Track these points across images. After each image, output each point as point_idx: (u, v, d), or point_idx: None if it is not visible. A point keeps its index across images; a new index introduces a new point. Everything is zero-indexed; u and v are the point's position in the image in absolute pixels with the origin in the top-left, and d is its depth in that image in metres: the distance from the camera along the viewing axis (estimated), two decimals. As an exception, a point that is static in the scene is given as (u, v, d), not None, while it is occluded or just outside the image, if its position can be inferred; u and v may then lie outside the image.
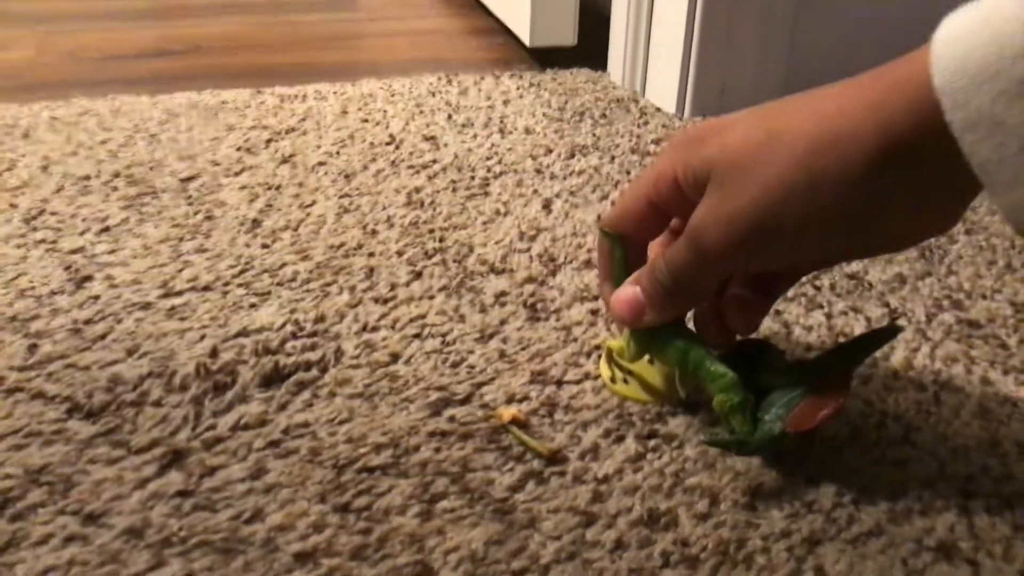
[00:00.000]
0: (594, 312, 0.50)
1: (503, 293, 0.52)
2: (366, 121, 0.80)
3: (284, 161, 0.71)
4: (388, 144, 0.75)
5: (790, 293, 0.52)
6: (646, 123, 0.81)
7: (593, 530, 0.35)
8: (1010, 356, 0.47)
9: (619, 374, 0.44)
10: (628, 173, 0.70)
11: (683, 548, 0.35)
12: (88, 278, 0.53)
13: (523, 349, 0.47)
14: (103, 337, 0.47)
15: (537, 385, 0.44)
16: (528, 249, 0.57)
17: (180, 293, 0.51)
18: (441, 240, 0.58)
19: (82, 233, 0.58)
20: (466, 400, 0.43)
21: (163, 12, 1.27)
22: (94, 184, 0.66)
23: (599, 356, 0.46)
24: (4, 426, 0.40)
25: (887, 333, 0.40)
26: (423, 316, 0.49)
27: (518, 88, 0.91)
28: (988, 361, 0.47)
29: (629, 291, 0.40)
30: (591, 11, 1.01)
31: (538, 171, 0.70)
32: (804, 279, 0.54)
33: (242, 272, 0.54)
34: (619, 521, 0.36)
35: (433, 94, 0.88)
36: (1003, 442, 0.40)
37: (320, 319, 0.49)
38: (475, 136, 0.77)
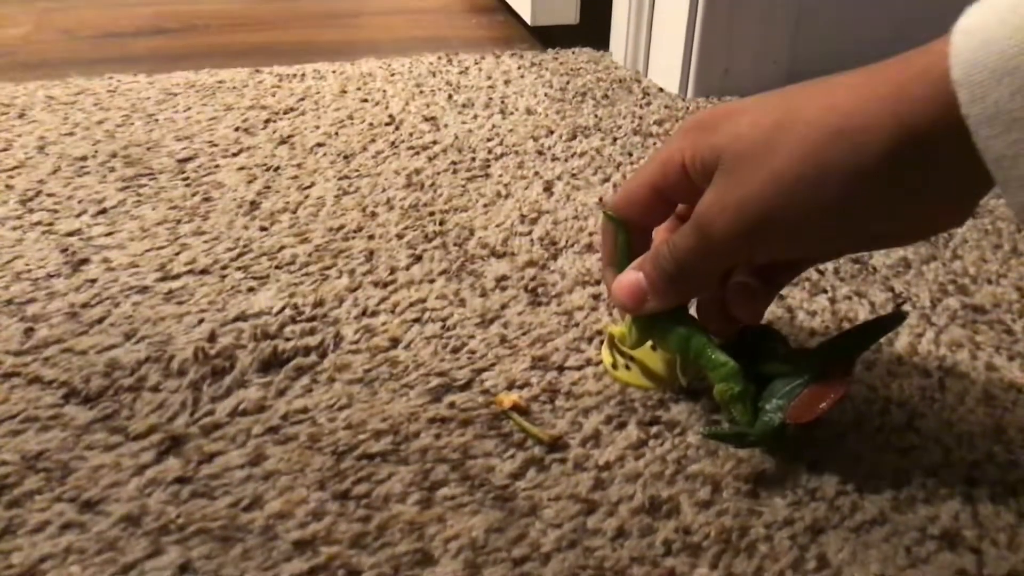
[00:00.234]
0: (596, 297, 0.50)
1: (504, 277, 0.51)
2: (365, 101, 0.79)
3: (282, 142, 0.70)
4: (388, 125, 0.74)
5: (794, 277, 0.52)
6: (648, 104, 0.80)
7: (594, 518, 0.35)
8: (1015, 342, 0.47)
9: (621, 360, 0.43)
10: (630, 155, 0.69)
11: (685, 536, 0.34)
12: (85, 261, 0.52)
13: (524, 334, 0.46)
14: (100, 321, 0.47)
15: (538, 371, 0.44)
16: (529, 232, 0.57)
17: (178, 276, 0.51)
18: (441, 223, 0.58)
19: (79, 215, 0.58)
20: (466, 386, 0.42)
21: (160, -11, 1.26)
22: (91, 165, 0.65)
23: (601, 342, 0.46)
24: (0, 411, 0.40)
25: (892, 320, 0.40)
26: (423, 300, 0.49)
27: (519, 68, 0.90)
28: (993, 347, 0.46)
29: (632, 277, 0.39)
30: (593, -11, 1.00)
31: (539, 152, 0.69)
32: (808, 264, 0.53)
33: (240, 255, 0.53)
34: (621, 509, 0.35)
35: (433, 74, 0.87)
36: (1008, 429, 0.40)
37: (319, 303, 0.48)
38: (475, 117, 0.76)
